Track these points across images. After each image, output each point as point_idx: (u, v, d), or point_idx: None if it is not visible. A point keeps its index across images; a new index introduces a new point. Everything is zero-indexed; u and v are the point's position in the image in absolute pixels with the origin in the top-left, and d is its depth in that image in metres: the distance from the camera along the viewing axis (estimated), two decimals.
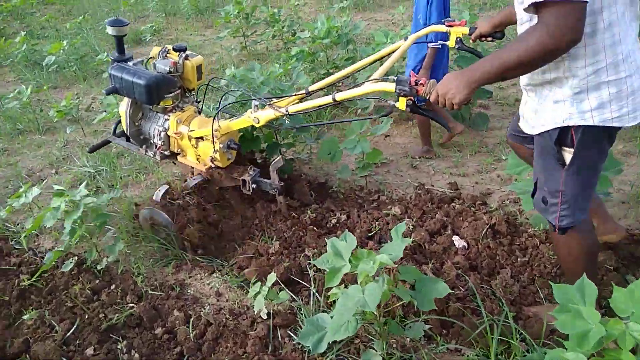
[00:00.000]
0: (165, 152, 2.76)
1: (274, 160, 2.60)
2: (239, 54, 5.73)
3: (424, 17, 2.87)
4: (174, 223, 2.50)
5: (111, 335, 2.16)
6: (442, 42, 2.63)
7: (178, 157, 2.79)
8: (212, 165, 2.66)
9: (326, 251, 2.42)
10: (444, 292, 1.67)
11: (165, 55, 2.60)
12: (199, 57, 2.63)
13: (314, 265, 2.38)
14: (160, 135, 2.70)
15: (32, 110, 4.39)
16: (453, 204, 2.75)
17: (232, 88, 2.79)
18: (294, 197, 2.90)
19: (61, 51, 5.29)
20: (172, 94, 2.61)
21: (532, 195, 1.81)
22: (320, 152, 2.89)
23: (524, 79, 1.68)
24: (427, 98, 1.68)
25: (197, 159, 2.69)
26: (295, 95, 2.43)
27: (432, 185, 2.99)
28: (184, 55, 2.56)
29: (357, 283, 1.63)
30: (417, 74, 2.89)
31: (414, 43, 2.53)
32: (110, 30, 2.60)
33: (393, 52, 2.39)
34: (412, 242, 2.40)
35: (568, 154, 1.61)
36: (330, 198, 2.94)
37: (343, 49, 4.32)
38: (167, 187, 2.64)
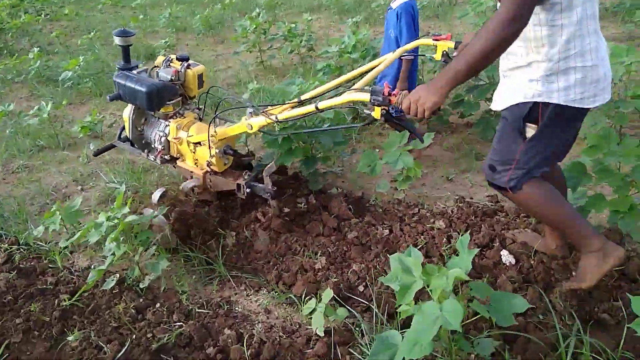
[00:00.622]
0: (166, 157, 2.89)
1: (267, 166, 2.68)
2: (255, 69, 5.72)
3: (395, 32, 3.11)
4: (168, 222, 2.62)
5: (162, 355, 2.09)
6: (414, 54, 2.96)
7: (177, 161, 2.91)
8: (209, 170, 2.77)
9: (374, 266, 2.42)
10: (523, 307, 1.63)
11: (169, 64, 2.76)
12: (200, 66, 2.78)
13: (363, 281, 2.35)
14: (161, 140, 2.84)
15: (51, 126, 4.35)
16: (497, 217, 2.71)
17: (229, 96, 2.93)
18: (331, 212, 2.87)
19: (77, 67, 5.27)
20: (173, 101, 2.77)
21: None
22: (360, 165, 2.85)
23: (505, 65, 1.86)
24: (401, 108, 1.81)
25: (195, 163, 2.82)
26: (288, 103, 2.53)
27: (472, 198, 2.96)
28: (186, 64, 2.73)
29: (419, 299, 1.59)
30: (394, 83, 3.15)
31: (401, 57, 2.74)
32: (117, 40, 2.75)
33: (377, 65, 2.55)
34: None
35: (531, 130, 1.82)
36: (369, 212, 2.90)
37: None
38: (164, 189, 2.84)
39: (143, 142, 2.95)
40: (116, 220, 2.34)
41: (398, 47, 2.96)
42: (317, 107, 2.19)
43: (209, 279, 2.54)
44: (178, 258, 2.63)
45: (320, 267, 2.46)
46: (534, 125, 1.82)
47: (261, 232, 2.74)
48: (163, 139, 2.83)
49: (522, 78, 1.79)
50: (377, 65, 2.54)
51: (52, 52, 7.38)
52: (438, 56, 2.54)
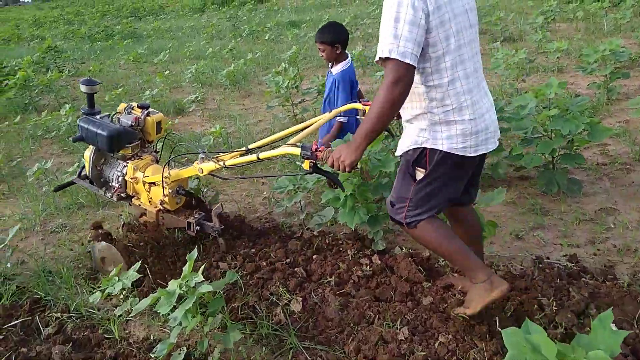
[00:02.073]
0: (122, 195, 3.10)
1: (215, 207, 2.97)
2: (288, 122, 5.70)
3: (333, 97, 3.45)
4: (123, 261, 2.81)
5: None
6: (349, 116, 3.31)
7: (133, 199, 3.13)
8: (161, 208, 3.00)
9: (462, 338, 2.23)
10: None
11: (130, 111, 3.00)
12: (159, 114, 3.05)
13: (454, 355, 2.16)
14: (118, 179, 3.07)
15: None
16: (583, 279, 2.55)
17: (184, 143, 3.29)
18: (401, 276, 2.71)
19: None
20: (131, 145, 3.00)
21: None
22: None
23: (404, 116, 2.10)
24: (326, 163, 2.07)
25: (149, 201, 3.04)
26: (237, 151, 2.73)
27: (548, 258, 2.80)
28: (146, 112, 2.98)
29: None
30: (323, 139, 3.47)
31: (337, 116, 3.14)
32: (83, 88, 2.97)
33: (314, 122, 2.85)
34: (563, 330, 2.19)
35: (420, 173, 2.05)
36: (439, 275, 2.74)
37: None
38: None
39: (101, 180, 3.16)
40: (187, 288, 2.18)
41: (335, 108, 3.32)
42: (258, 157, 2.45)
43: (280, 351, 2.35)
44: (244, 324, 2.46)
45: (404, 339, 2.27)
46: (422, 170, 2.06)
47: (332, 298, 2.58)
48: (120, 178, 3.05)
49: (414, 127, 2.05)
50: (314, 123, 2.82)
51: (78, 107, 7.43)
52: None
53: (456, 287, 2.53)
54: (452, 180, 2.10)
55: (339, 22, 3.59)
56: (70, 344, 2.47)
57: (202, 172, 2.69)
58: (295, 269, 2.87)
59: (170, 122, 5.75)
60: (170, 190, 2.90)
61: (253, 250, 3.12)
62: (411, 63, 1.79)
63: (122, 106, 3.04)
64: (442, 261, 2.87)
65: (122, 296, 2.72)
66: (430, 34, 1.84)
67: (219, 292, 2.36)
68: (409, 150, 2.07)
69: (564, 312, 2.27)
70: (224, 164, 2.60)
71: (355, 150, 1.96)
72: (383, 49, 1.81)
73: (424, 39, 1.83)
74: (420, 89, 1.96)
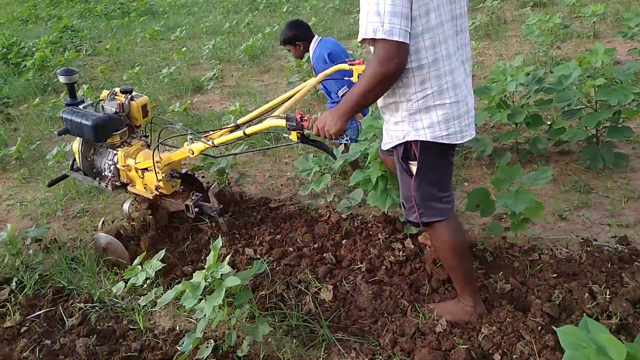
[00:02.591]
0: (117, 183, 3.03)
1: (211, 186, 2.95)
2: (310, 98, 5.50)
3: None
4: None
5: None
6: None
7: (128, 187, 3.05)
8: (157, 193, 2.93)
9: (506, 329, 2.08)
10: None
11: (113, 97, 2.92)
12: (143, 97, 2.96)
13: (499, 348, 2.01)
14: (110, 168, 2.99)
15: None
16: (637, 263, 2.36)
17: (171, 124, 3.04)
18: (436, 262, 2.55)
19: None
20: (119, 132, 2.92)
21: None
22: (467, 204, 2.54)
23: (378, 102, 1.96)
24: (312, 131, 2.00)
25: (145, 187, 2.97)
26: (226, 127, 2.69)
27: (596, 240, 2.61)
28: (129, 96, 2.90)
29: None
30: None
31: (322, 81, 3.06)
32: (62, 78, 2.90)
33: (297, 92, 2.78)
34: (618, 321, 2.01)
35: (414, 167, 1.93)
36: (476, 259, 2.57)
37: None
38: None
39: (94, 170, 3.09)
40: (212, 279, 2.07)
41: (336, 86, 3.45)
42: (244, 133, 2.38)
43: (312, 343, 2.23)
44: (275, 316, 2.34)
45: (442, 331, 2.13)
46: (414, 162, 1.93)
47: (364, 286, 2.44)
48: (112, 167, 2.98)
49: (390, 120, 1.95)
50: (297, 93, 2.76)
51: (97, 87, 7.33)
52: (354, 79, 2.73)
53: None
54: (445, 168, 2.00)
55: (295, 19, 3.70)
56: (95, 336, 2.39)
57: (193, 154, 2.63)
58: (324, 255, 2.74)
59: (189, 101, 5.60)
60: (163, 175, 2.83)
61: (279, 236, 2.99)
62: (401, 40, 1.63)
63: (104, 93, 2.98)
64: (480, 245, 2.69)
65: (145, 286, 2.62)
66: (412, 5, 1.67)
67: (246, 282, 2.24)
68: (395, 147, 1.97)
69: (617, 301, 2.08)
70: (212, 143, 2.54)
71: (339, 119, 1.87)
72: (367, 29, 1.65)
73: (410, 11, 1.66)
74: None
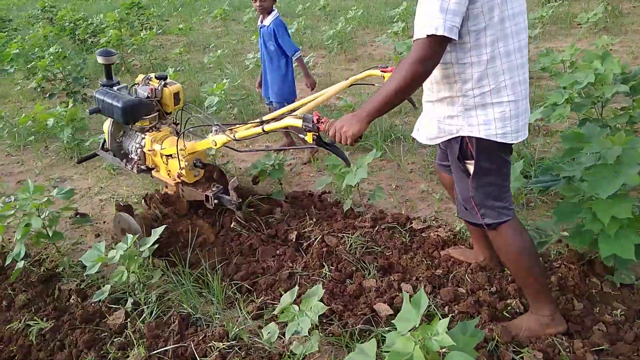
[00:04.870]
0: (142, 167, 3.08)
1: (231, 180, 2.88)
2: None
3: (275, 46, 3.68)
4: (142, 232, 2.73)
5: None
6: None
7: (152, 171, 3.11)
8: (179, 181, 2.97)
9: None
10: None
11: (147, 82, 2.96)
12: (177, 84, 2.98)
13: None
14: (137, 151, 3.04)
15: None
16: None
17: (198, 114, 2.94)
18: None
19: (221, 91, 4.69)
20: (149, 116, 2.95)
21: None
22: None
23: (426, 96, 1.93)
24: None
25: (168, 174, 3.01)
26: (251, 122, 2.65)
27: None
28: (163, 83, 2.92)
29: None
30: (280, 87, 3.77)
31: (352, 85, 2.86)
32: (100, 59, 2.96)
33: (324, 94, 2.74)
34: None
35: (470, 166, 1.87)
36: None
37: None
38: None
39: (122, 152, 3.15)
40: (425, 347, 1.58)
41: (284, 56, 3.70)
42: (263, 129, 2.42)
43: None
44: None
45: None
46: (471, 162, 1.87)
47: None
48: (139, 150, 3.02)
49: (440, 113, 1.87)
50: (323, 95, 2.71)
51: (182, 70, 6.95)
52: None
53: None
54: (504, 166, 1.90)
55: None
56: None
57: (216, 145, 2.65)
58: (509, 302, 2.22)
59: None
60: (186, 163, 2.86)
61: (439, 270, 2.49)
62: (455, 38, 1.63)
63: (140, 77, 3.02)
64: None
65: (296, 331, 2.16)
66: (474, 5, 1.65)
67: None
68: (449, 142, 1.89)
69: None
70: (234, 137, 2.55)
71: (360, 122, 1.81)
72: (429, 25, 1.61)
73: (466, 10, 1.65)
74: (450, 70, 1.77)
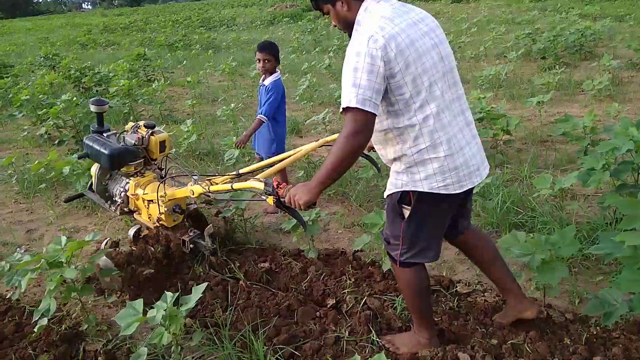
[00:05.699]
0: (125, 209, 3.22)
1: (207, 227, 3.06)
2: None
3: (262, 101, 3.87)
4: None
5: None
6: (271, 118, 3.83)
7: (134, 214, 3.26)
8: (158, 225, 3.07)
9: None
10: None
11: (136, 130, 3.09)
12: (164, 134, 3.14)
13: None
14: (121, 194, 3.19)
15: None
16: None
17: (178, 165, 3.37)
18: None
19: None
20: (134, 162, 3.11)
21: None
22: None
23: (383, 159, 2.13)
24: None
25: (149, 217, 3.15)
26: (228, 175, 2.85)
27: None
28: (150, 131, 3.06)
29: None
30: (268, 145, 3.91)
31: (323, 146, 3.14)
32: (92, 107, 3.15)
33: (291, 155, 3.01)
34: None
35: (407, 210, 2.05)
36: None
37: None
38: (138, 226, 3.21)
39: (106, 194, 3.29)
40: None
41: (274, 117, 3.82)
42: (232, 187, 2.57)
43: None
44: None
45: None
46: (408, 207, 2.03)
47: None
48: (123, 193, 3.17)
49: (392, 171, 2.08)
50: (288, 157, 2.96)
51: (180, 121, 6.94)
52: None
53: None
54: (439, 217, 2.10)
55: None
56: None
57: (193, 194, 2.78)
58: None
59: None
60: (166, 209, 2.98)
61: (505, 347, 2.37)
62: (370, 111, 1.78)
63: (129, 124, 3.16)
64: None
65: None
66: (393, 79, 1.83)
67: None
68: (392, 194, 2.07)
69: None
70: (208, 189, 2.69)
71: (310, 192, 1.96)
72: (345, 99, 1.80)
73: (384, 86, 1.82)
74: (390, 134, 1.96)
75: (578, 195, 3.91)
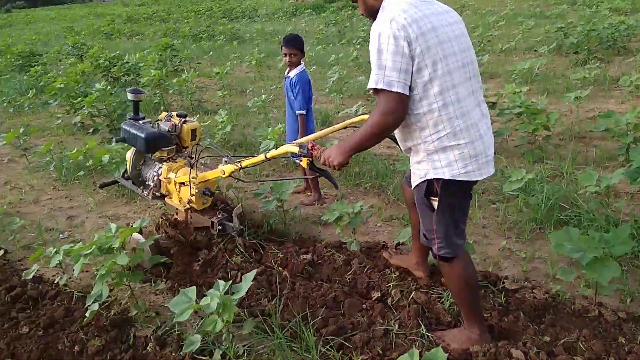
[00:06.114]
0: (157, 193, 3.33)
1: (235, 207, 3.14)
2: None
3: (293, 97, 3.86)
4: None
5: None
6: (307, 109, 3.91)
7: (165, 198, 3.36)
8: (189, 207, 3.19)
9: None
10: None
11: (169, 119, 3.24)
12: (195, 122, 3.26)
13: None
14: (154, 179, 3.31)
15: None
16: None
17: (210, 146, 3.42)
18: None
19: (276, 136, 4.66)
20: (167, 148, 3.24)
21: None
22: None
23: (402, 147, 2.19)
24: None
25: (179, 200, 3.25)
26: (257, 156, 2.80)
27: None
28: (182, 120, 3.21)
29: None
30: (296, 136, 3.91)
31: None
32: (129, 96, 3.26)
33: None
34: None
35: (435, 202, 2.07)
36: None
37: None
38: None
39: (140, 179, 3.43)
40: None
41: (292, 108, 3.90)
42: (266, 156, 2.63)
43: None
44: None
45: None
46: (435, 198, 2.06)
47: None
48: (156, 178, 3.30)
49: (412, 163, 2.11)
50: (320, 133, 3.07)
51: (212, 112, 6.98)
52: None
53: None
54: (463, 205, 2.15)
55: None
56: None
57: (224, 174, 2.86)
58: None
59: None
60: (197, 191, 3.08)
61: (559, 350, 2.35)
62: (400, 91, 1.84)
63: (163, 114, 3.30)
64: None
65: None
66: (414, 61, 1.86)
67: None
68: (417, 185, 2.10)
69: None
70: (240, 165, 2.77)
71: (343, 154, 2.05)
72: (372, 80, 1.88)
73: (411, 66, 1.86)
74: (408, 120, 1.98)
75: (621, 192, 3.83)
